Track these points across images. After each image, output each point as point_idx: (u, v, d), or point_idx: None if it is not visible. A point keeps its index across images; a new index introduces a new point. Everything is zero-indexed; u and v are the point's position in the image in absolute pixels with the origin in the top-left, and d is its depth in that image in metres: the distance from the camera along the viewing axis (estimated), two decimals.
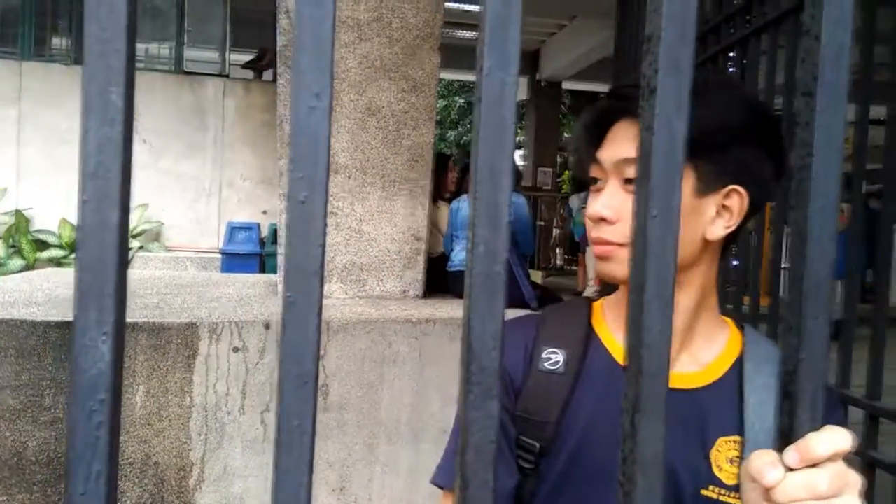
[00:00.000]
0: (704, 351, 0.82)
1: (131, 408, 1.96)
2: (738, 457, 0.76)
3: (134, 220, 8.05)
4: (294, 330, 0.26)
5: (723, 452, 0.77)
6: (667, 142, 0.30)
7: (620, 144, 0.79)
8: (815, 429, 0.36)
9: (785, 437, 0.35)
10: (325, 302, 2.48)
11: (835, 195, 0.33)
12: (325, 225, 0.27)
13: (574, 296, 7.60)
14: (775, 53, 1.70)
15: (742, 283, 1.94)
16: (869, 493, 1.37)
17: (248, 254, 7.35)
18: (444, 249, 3.57)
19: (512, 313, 2.41)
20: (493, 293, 0.30)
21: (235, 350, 2.04)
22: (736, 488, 0.74)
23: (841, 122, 0.32)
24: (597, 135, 0.82)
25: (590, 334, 0.85)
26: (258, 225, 7.79)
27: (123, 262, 0.26)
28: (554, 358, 0.83)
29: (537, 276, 8.17)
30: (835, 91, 0.31)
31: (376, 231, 2.62)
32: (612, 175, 0.81)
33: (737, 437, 0.77)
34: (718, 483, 0.76)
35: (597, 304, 0.90)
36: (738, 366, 0.81)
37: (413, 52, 2.60)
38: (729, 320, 0.87)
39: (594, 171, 0.82)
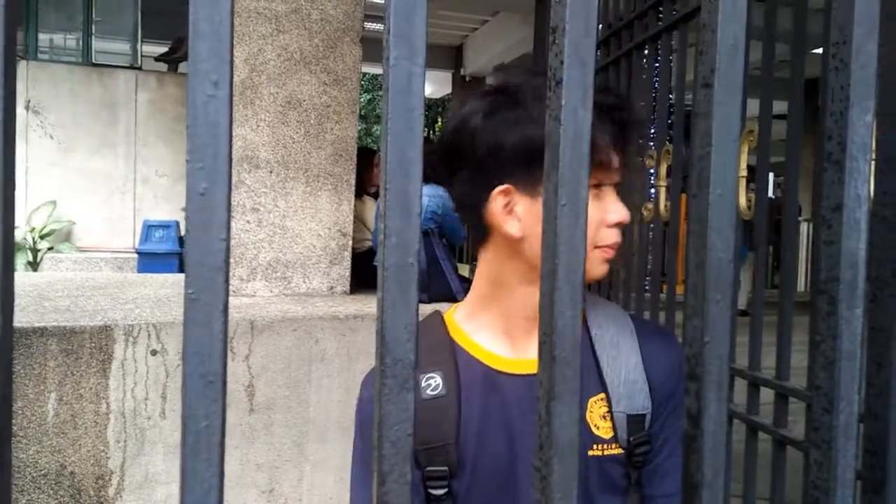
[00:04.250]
0: None
1: (43, 416, 1.87)
2: (608, 412, 0.83)
3: (42, 220, 7.63)
4: (197, 328, 0.25)
5: (595, 412, 0.83)
6: (573, 131, 0.30)
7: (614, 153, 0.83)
8: (722, 410, 0.37)
9: (693, 420, 0.37)
10: (249, 301, 2.42)
11: (733, 183, 0.34)
12: (229, 218, 0.26)
13: None
14: (685, 50, 1.76)
15: (659, 272, 2.01)
16: (780, 470, 1.45)
17: (166, 253, 7.10)
18: (372, 245, 3.54)
19: (440, 307, 2.40)
20: (406, 284, 0.30)
21: (154, 353, 1.96)
22: (614, 440, 0.82)
23: (737, 113, 0.33)
24: (620, 143, 0.83)
25: (453, 348, 0.88)
26: (177, 223, 7.52)
27: (8, 260, 0.24)
28: (433, 383, 0.84)
29: (465, 269, 8.22)
30: (731, 82, 0.33)
31: (300, 227, 2.57)
32: (611, 181, 0.84)
33: (602, 395, 0.84)
34: (599, 440, 0.82)
35: (447, 315, 0.93)
36: (586, 331, 0.88)
37: (334, 44, 2.56)
38: None
39: (603, 177, 0.82)
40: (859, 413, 0.41)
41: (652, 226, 1.93)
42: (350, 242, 2.67)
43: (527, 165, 0.79)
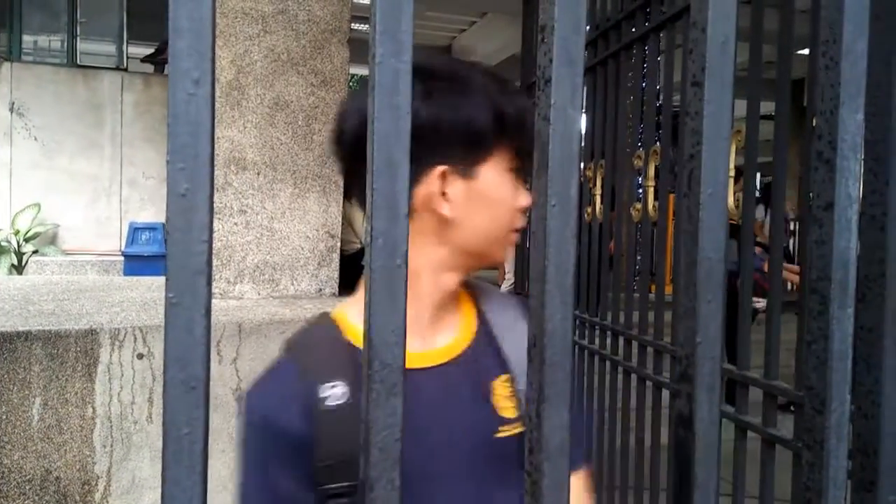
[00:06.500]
0: (453, 316, 0.88)
1: (27, 421, 1.84)
2: (512, 392, 0.84)
3: (27, 222, 7.56)
4: (179, 332, 0.25)
5: (500, 393, 0.84)
6: (562, 131, 0.30)
7: None
8: (713, 412, 0.37)
9: (685, 422, 0.36)
10: (236, 303, 2.40)
11: (724, 182, 0.34)
12: (212, 220, 0.25)
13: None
14: (672, 50, 1.77)
15: (648, 272, 2.01)
16: (768, 469, 1.45)
17: (153, 255, 7.04)
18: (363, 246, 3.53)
19: None
20: (394, 287, 0.29)
21: (140, 357, 1.94)
22: (520, 418, 0.83)
23: (728, 111, 0.33)
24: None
25: (352, 350, 0.83)
26: (163, 225, 7.46)
27: None
28: (335, 392, 0.78)
29: None
30: (721, 80, 0.32)
31: (288, 229, 2.56)
32: (529, 166, 0.85)
33: (506, 375, 0.85)
34: (506, 421, 0.83)
35: (338, 315, 0.89)
36: (482, 315, 0.89)
37: (321, 45, 2.55)
38: None
39: (521, 162, 0.85)
40: (850, 413, 0.41)
41: (640, 226, 1.93)
42: (339, 244, 2.66)
43: (466, 146, 0.81)
